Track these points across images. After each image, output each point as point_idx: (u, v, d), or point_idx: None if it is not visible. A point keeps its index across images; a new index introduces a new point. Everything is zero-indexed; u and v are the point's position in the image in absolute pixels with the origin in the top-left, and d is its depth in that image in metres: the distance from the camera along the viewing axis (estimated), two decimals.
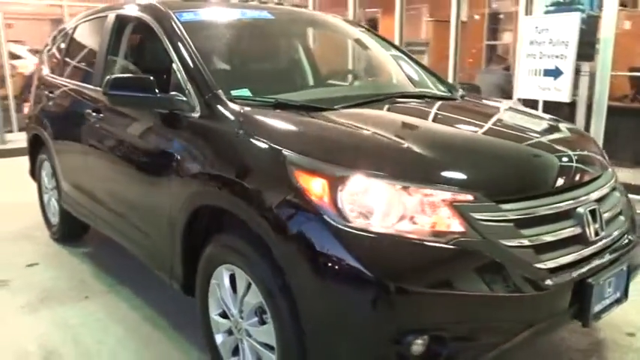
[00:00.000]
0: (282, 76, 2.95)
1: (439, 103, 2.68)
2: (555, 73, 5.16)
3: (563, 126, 2.57)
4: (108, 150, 3.01)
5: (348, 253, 1.70)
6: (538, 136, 2.34)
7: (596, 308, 1.96)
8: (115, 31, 3.24)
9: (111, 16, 3.33)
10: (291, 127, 2.14)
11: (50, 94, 3.93)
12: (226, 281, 2.19)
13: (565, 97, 5.11)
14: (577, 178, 2.07)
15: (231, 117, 2.23)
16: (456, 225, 1.75)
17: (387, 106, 2.46)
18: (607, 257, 2.01)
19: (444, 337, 1.72)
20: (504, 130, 2.45)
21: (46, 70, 4.24)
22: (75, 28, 3.98)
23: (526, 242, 1.80)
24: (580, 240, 1.94)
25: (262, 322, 2.04)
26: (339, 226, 1.72)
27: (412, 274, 1.70)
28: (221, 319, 2.28)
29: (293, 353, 1.88)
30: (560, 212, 1.93)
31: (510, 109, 2.79)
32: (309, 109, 2.29)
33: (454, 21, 6.26)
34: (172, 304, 3.07)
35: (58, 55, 4.14)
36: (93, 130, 3.17)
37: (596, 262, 1.96)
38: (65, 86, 3.72)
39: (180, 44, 2.59)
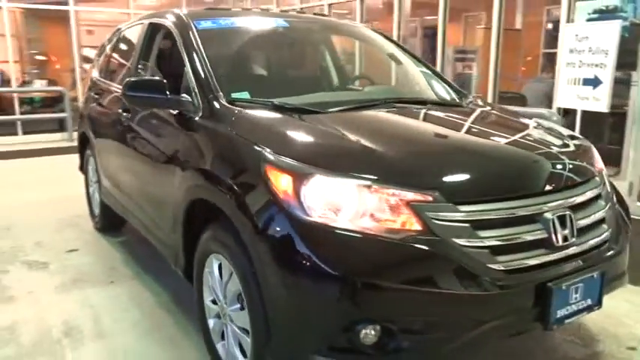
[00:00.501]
0: (289, 80, 3.10)
1: (431, 108, 2.75)
2: (594, 82, 5.02)
3: (547, 132, 2.56)
4: (133, 147, 3.28)
5: (306, 245, 1.82)
6: (512, 142, 2.37)
7: (560, 313, 1.97)
8: (147, 37, 3.52)
9: (145, 24, 3.61)
10: (274, 127, 2.29)
11: (95, 95, 4.29)
12: (215, 270, 2.36)
13: (603, 107, 4.96)
14: (545, 183, 2.08)
15: (226, 117, 2.41)
16: (413, 223, 1.83)
17: (374, 111, 2.56)
18: (574, 263, 2.01)
19: (395, 329, 1.80)
20: (479, 136, 2.49)
21: (95, 73, 4.61)
22: (120, 35, 4.31)
23: (482, 243, 1.85)
24: (545, 244, 1.97)
25: (242, 308, 2.19)
26: (301, 220, 1.85)
27: (365, 268, 1.80)
28: (212, 305, 2.46)
29: (262, 337, 2.01)
30: (523, 216, 1.96)
31: (506, 116, 2.81)
32: (302, 112, 2.43)
33: (495, 29, 6.19)
34: (187, 292, 3.27)
35: (104, 59, 4.50)
36: (123, 129, 3.45)
37: (560, 268, 1.98)
38: (106, 88, 4.05)
39: (192, 50, 2.81)
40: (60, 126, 9.70)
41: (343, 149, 2.08)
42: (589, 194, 2.19)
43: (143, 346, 2.78)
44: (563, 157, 2.27)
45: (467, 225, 1.86)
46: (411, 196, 1.85)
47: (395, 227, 1.83)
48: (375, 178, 1.89)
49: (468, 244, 1.83)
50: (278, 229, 1.89)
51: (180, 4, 10.79)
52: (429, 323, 1.83)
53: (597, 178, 2.32)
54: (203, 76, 2.65)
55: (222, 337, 2.42)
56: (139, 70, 3.45)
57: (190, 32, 2.93)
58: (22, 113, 9.49)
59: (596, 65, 5.00)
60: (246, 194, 2.03)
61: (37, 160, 8.02)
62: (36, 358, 2.68)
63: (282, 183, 1.93)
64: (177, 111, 2.72)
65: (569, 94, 5.24)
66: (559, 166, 2.19)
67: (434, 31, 11.31)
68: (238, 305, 2.22)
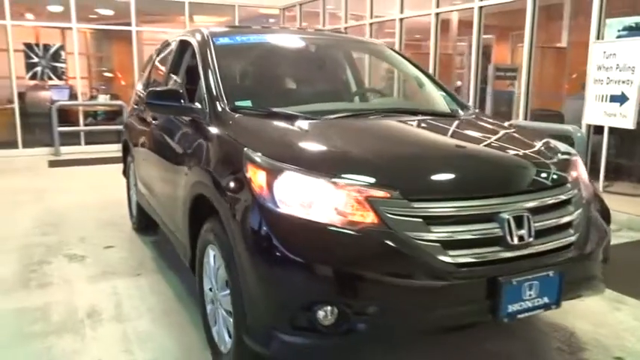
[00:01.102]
0: (294, 91, 3.35)
1: (418, 118, 2.92)
2: (621, 99, 5.00)
3: (524, 142, 2.69)
4: (156, 150, 3.62)
5: (274, 233, 2.04)
6: (476, 148, 2.53)
7: (512, 307, 2.08)
8: (178, 52, 3.87)
9: (177, 41, 3.97)
10: (260, 131, 2.54)
11: (135, 106, 4.70)
12: (211, 259, 2.62)
13: (629, 124, 4.93)
14: (502, 186, 2.22)
15: (225, 121, 2.68)
16: (370, 217, 2.02)
17: (361, 119, 2.76)
18: (528, 262, 2.12)
19: (349, 312, 1.98)
20: (448, 142, 2.66)
21: (139, 86, 5.04)
22: (159, 52, 4.72)
23: (433, 237, 2.01)
24: (499, 242, 2.09)
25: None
26: (271, 211, 2.07)
27: (322, 254, 2.00)
28: (209, 292, 2.71)
29: (240, 318, 2.24)
30: (477, 214, 2.10)
31: (491, 127, 2.94)
32: (294, 118, 2.67)
33: (527, 48, 6.23)
34: None
35: (147, 73, 4.92)
36: (151, 135, 3.81)
37: (513, 265, 2.09)
38: (142, 98, 4.44)
39: (207, 63, 3.11)
40: (118, 137, 10.38)
41: (316, 150, 2.30)
42: (554, 199, 2.30)
43: (153, 328, 3.07)
44: (528, 164, 2.39)
45: (419, 220, 2.02)
46: (368, 192, 2.04)
47: (353, 220, 2.02)
48: (339, 175, 2.09)
49: (419, 237, 1.99)
50: (252, 219, 2.12)
51: (232, 22, 11.36)
52: (381, 308, 1.99)
53: (569, 185, 2.41)
54: (212, 85, 2.95)
55: (216, 323, 2.66)
56: (169, 82, 3.80)
57: (208, 48, 3.24)
58: (85, 125, 10.25)
59: (623, 82, 4.98)
60: (230, 188, 2.28)
61: (95, 167, 8.65)
62: (60, 334, 3.01)
63: (258, 178, 2.16)
64: (190, 117, 3.02)
65: (597, 111, 5.22)
66: (520, 172, 2.32)
67: (484, 50, 11.37)
68: (227, 291, 2.46)
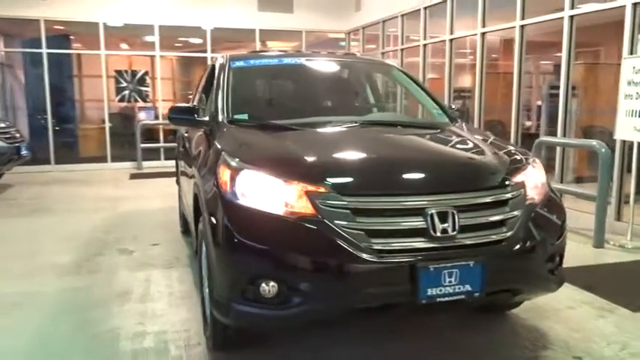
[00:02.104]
0: (291, 106, 3.77)
1: (388, 128, 3.30)
2: None
3: (478, 149, 2.96)
4: (182, 158, 4.19)
5: (229, 220, 2.47)
6: (418, 154, 2.87)
7: (431, 291, 2.35)
8: (209, 73, 4.45)
9: (210, 64, 4.56)
10: (239, 138, 3.00)
11: None
12: (204, 249, 3.08)
13: None
14: (430, 186, 2.53)
15: (219, 131, 3.17)
16: (308, 208, 2.39)
17: (339, 129, 3.19)
18: (449, 252, 2.38)
19: (285, 287, 2.35)
20: (397, 147, 3.01)
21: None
22: (204, 73, 5.36)
23: (359, 226, 2.34)
24: (423, 233, 2.38)
25: None
26: (231, 202, 2.51)
27: (265, 237, 2.39)
28: (205, 278, 3.17)
29: (211, 295, 2.67)
30: (403, 209, 2.40)
31: (459, 137, 3.21)
32: (279, 129, 3.11)
33: (565, 66, 6.25)
34: None
35: (195, 92, 5.58)
36: (183, 146, 4.40)
37: (434, 254, 2.36)
38: None
39: (220, 82, 3.64)
40: None
41: (275, 154, 2.73)
42: (485, 199, 2.55)
43: (167, 308, 3.59)
44: (461, 168, 2.70)
45: (348, 212, 2.36)
46: (308, 188, 2.42)
47: (294, 210, 2.40)
48: (286, 173, 2.48)
49: (346, 226, 2.34)
50: (216, 209, 2.56)
51: (300, 47, 12.05)
52: (313, 285, 2.35)
53: (508, 188, 2.63)
54: (219, 101, 3.46)
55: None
56: (199, 99, 4.39)
57: (224, 69, 3.77)
58: (165, 142, 11.28)
59: None
60: (207, 186, 2.75)
61: (168, 179, 9.51)
62: (92, 308, 3.61)
63: (225, 176, 2.61)
64: (202, 129, 3.54)
65: (627, 126, 5.17)
66: (449, 174, 2.61)
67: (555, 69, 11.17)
68: None
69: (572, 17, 6.19)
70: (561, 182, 6.40)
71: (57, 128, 11.39)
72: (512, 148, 3.10)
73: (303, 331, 3.16)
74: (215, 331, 2.82)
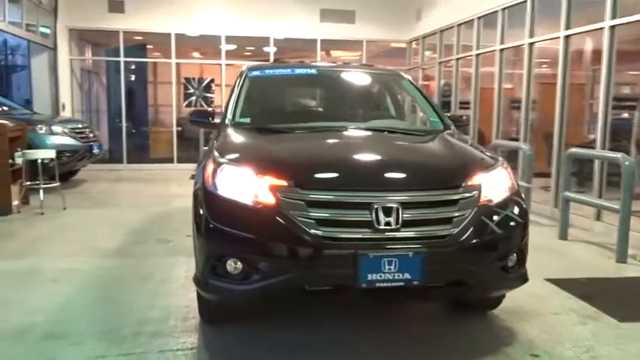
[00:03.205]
0: (293, 112, 4.22)
1: (370, 133, 3.69)
2: None
3: (443, 153, 3.30)
4: None
5: (208, 207, 2.95)
6: (378, 156, 3.23)
7: (371, 276, 2.68)
8: (235, 81, 4.99)
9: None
10: (236, 139, 3.50)
11: None
12: None
13: None
14: (378, 184, 2.87)
15: (221, 133, 3.67)
16: (271, 199, 2.81)
17: (321, 133, 3.62)
18: (392, 243, 2.71)
19: (247, 265, 2.78)
20: (362, 151, 3.35)
21: None
22: None
23: (311, 216, 2.72)
24: (368, 225, 2.72)
25: None
26: (211, 193, 2.98)
27: (233, 222, 2.84)
28: None
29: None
30: (352, 202, 2.76)
31: (432, 142, 3.54)
32: (272, 131, 3.57)
33: (605, 81, 6.23)
34: None
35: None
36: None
37: (377, 243, 2.70)
38: None
39: (234, 89, 4.15)
40: None
41: (255, 153, 3.20)
42: (433, 198, 2.86)
43: (178, 289, 4.13)
44: (417, 170, 3.05)
45: (302, 203, 2.75)
46: (273, 182, 2.84)
47: (259, 200, 2.83)
48: (258, 169, 2.92)
49: (300, 215, 2.73)
50: (200, 198, 3.04)
51: (361, 56, 12.47)
52: (269, 265, 2.77)
53: (460, 189, 2.91)
54: (230, 106, 3.97)
55: None
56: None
57: (241, 78, 4.29)
58: None
59: None
60: (197, 178, 3.25)
61: None
62: (120, 285, 4.22)
63: (209, 170, 3.08)
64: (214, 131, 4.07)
65: None
66: (402, 175, 2.97)
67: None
68: None
69: (612, 27, 6.17)
70: (600, 197, 6.33)
71: (134, 131, 12.55)
72: (484, 154, 3.36)
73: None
74: (201, 306, 3.30)
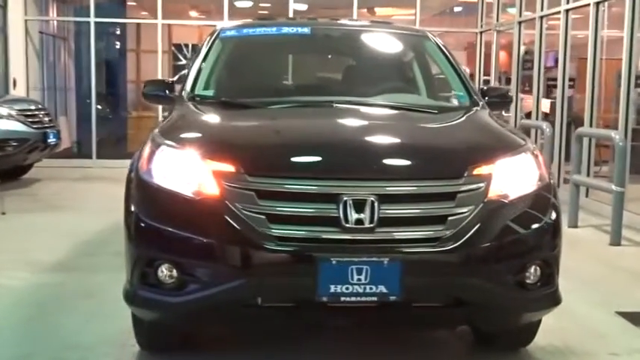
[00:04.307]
0: (275, 83, 4.47)
1: (366, 111, 3.93)
2: None
3: (449, 135, 3.60)
4: None
5: (140, 198, 3.27)
6: (353, 136, 3.50)
7: (335, 288, 2.88)
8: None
9: None
10: (189, 115, 3.82)
11: None
12: None
13: None
14: (350, 171, 3.08)
15: (175, 107, 3.98)
16: (212, 188, 3.07)
17: (295, 109, 3.92)
18: (359, 246, 2.92)
19: (181, 271, 3.04)
20: (333, 131, 3.61)
21: None
22: None
23: (260, 210, 2.95)
24: (333, 223, 2.94)
25: None
26: (145, 182, 3.27)
27: (166, 218, 3.12)
28: None
29: None
30: (313, 194, 2.99)
31: (453, 120, 3.73)
32: (244, 107, 3.88)
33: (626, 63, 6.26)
34: None
35: None
36: None
37: (344, 246, 2.92)
38: None
39: (198, 55, 4.46)
40: None
41: (205, 132, 3.52)
42: (420, 190, 3.05)
43: (125, 309, 4.32)
44: (403, 154, 3.27)
45: (251, 193, 2.99)
46: (217, 166, 3.10)
47: (200, 190, 3.10)
48: (202, 151, 3.19)
49: (247, 209, 2.97)
50: (131, 188, 3.35)
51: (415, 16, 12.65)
52: (207, 272, 3.03)
53: (461, 180, 3.07)
54: (190, 76, 4.28)
55: None
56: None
57: (208, 41, 4.59)
58: None
59: None
60: (133, 165, 3.54)
61: None
62: (52, 303, 4.59)
63: (145, 153, 3.37)
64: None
65: None
66: (382, 160, 3.19)
67: None
68: None
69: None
70: None
71: (110, 117, 13.07)
72: (507, 135, 3.54)
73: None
74: (136, 327, 3.59)
